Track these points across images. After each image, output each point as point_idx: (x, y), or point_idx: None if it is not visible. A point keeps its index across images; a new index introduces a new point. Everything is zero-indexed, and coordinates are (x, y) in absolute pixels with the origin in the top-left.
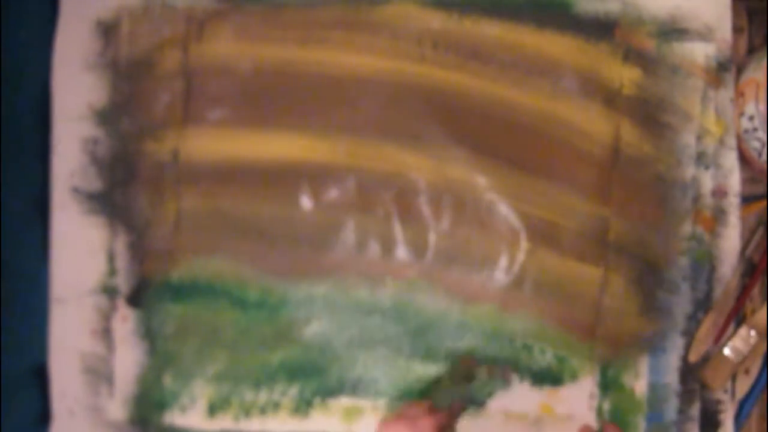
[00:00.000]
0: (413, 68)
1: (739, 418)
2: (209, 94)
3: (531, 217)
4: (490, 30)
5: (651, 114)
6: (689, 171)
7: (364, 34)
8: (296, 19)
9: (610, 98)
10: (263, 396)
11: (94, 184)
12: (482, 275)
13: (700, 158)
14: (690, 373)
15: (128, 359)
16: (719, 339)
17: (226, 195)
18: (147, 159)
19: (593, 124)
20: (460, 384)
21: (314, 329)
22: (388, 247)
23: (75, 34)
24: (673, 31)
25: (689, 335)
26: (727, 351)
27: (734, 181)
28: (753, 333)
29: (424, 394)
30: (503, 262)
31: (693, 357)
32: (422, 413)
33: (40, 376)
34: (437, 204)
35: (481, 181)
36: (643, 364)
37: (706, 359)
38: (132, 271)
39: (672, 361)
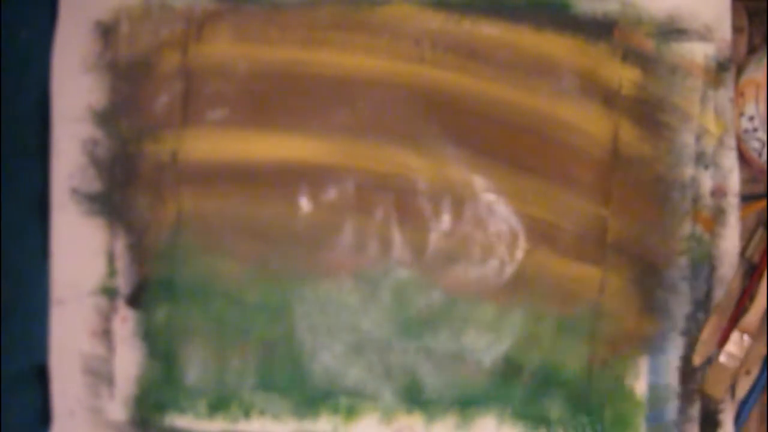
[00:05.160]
0: (412, 69)
1: (739, 418)
2: (208, 95)
3: (530, 217)
4: (489, 30)
5: (650, 114)
6: (688, 171)
7: (363, 35)
8: (295, 20)
9: (609, 98)
10: (263, 396)
11: (94, 185)
12: (481, 275)
13: (700, 158)
14: (692, 374)
15: (128, 360)
16: (723, 341)
17: (226, 196)
18: (146, 160)
19: (592, 124)
20: None
21: (314, 329)
22: (387, 247)
23: (74, 35)
24: (672, 31)
25: (689, 335)
26: (722, 358)
27: (734, 181)
28: (745, 336)
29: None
30: (502, 262)
31: (697, 360)
32: None
33: (40, 377)
34: (436, 204)
35: (479, 181)
36: (643, 365)
37: (709, 362)
38: (132, 272)
39: (672, 361)
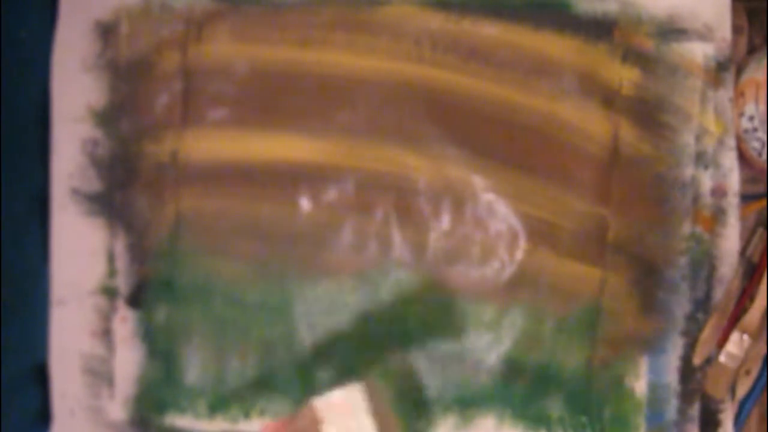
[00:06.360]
0: (412, 69)
1: (739, 418)
2: (208, 95)
3: (530, 217)
4: (489, 30)
5: (650, 114)
6: (688, 171)
7: (363, 35)
8: (295, 20)
9: (609, 98)
10: (263, 396)
11: (94, 185)
12: (481, 275)
13: (700, 158)
14: (692, 374)
15: (128, 360)
16: (723, 341)
17: (225, 195)
18: (146, 160)
19: (592, 124)
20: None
21: (313, 329)
22: (386, 247)
23: (74, 34)
24: (672, 31)
25: (689, 335)
26: (722, 358)
27: (734, 181)
28: (745, 336)
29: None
30: (502, 262)
31: (697, 360)
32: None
33: (40, 377)
34: (436, 204)
35: (479, 181)
36: (643, 364)
37: (709, 363)
38: (132, 272)
39: (672, 361)
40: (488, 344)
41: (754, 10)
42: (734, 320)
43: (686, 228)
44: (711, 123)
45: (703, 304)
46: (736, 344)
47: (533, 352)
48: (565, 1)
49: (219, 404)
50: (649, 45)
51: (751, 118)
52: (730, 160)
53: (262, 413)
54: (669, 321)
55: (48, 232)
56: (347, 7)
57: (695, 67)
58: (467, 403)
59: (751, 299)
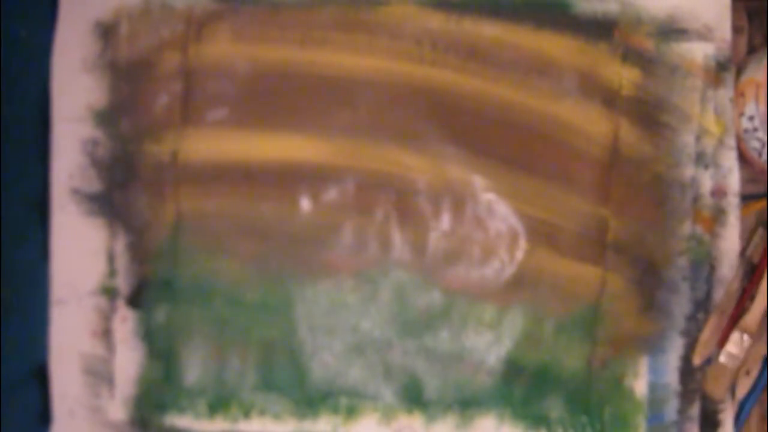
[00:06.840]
0: (412, 69)
1: (739, 418)
2: (208, 95)
3: (530, 217)
4: (489, 30)
5: (650, 114)
6: (688, 171)
7: (363, 34)
8: (295, 20)
9: (609, 98)
10: (263, 396)
11: (94, 185)
12: (481, 275)
13: (700, 158)
14: (692, 374)
15: (128, 360)
16: (723, 341)
17: (225, 195)
18: (146, 160)
19: (592, 124)
20: None
21: (314, 329)
22: (387, 247)
23: (74, 35)
24: (672, 31)
25: (689, 335)
26: (722, 358)
27: (733, 181)
28: (745, 336)
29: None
30: (502, 262)
31: (697, 360)
32: None
33: (40, 377)
34: (436, 204)
35: (480, 181)
36: (643, 365)
37: (709, 363)
38: (132, 272)
39: (672, 361)
40: (488, 344)
41: (754, 10)
42: (734, 320)
43: (686, 228)
44: (711, 123)
45: (703, 304)
46: (736, 344)
47: (533, 352)
48: (565, 1)
49: (219, 404)
50: (649, 45)
51: (751, 118)
52: (730, 160)
53: (262, 413)
54: (669, 321)
55: (48, 232)
56: (347, 7)
57: (695, 67)
58: (467, 403)
59: (751, 299)
